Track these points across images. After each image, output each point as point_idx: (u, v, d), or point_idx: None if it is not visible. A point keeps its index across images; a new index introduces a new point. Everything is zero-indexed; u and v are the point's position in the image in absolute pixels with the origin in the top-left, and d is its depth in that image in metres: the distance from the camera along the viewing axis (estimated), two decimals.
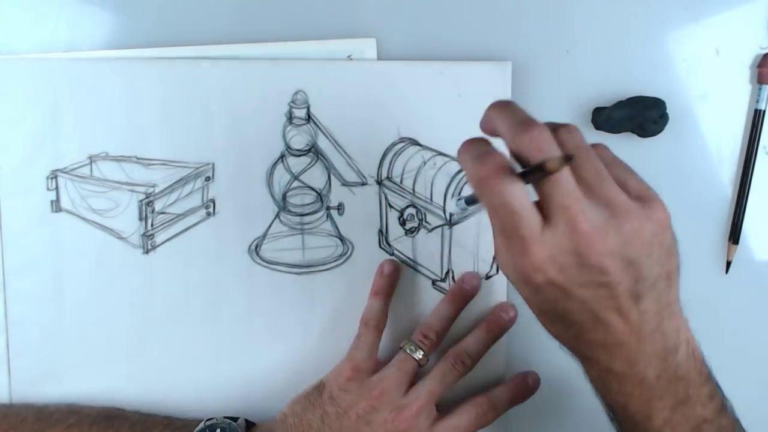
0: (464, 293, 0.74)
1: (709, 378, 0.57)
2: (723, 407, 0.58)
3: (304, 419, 0.69)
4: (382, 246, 0.76)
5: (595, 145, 0.53)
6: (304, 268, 0.76)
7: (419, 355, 0.71)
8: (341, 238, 0.75)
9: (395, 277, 0.74)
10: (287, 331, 0.75)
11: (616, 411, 0.57)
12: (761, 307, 0.76)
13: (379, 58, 0.73)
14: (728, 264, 0.75)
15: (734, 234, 0.74)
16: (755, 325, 0.76)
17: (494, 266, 0.76)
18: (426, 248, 0.74)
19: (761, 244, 0.75)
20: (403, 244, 0.75)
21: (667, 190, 0.73)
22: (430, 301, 0.75)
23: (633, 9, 0.73)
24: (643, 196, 0.52)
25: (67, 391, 0.76)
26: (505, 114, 0.51)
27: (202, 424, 0.70)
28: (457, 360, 0.71)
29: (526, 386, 0.73)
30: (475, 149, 0.50)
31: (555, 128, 0.50)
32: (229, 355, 0.76)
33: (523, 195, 0.47)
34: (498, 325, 0.74)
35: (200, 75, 0.73)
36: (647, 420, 0.55)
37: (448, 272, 0.75)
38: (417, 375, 0.71)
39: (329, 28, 0.73)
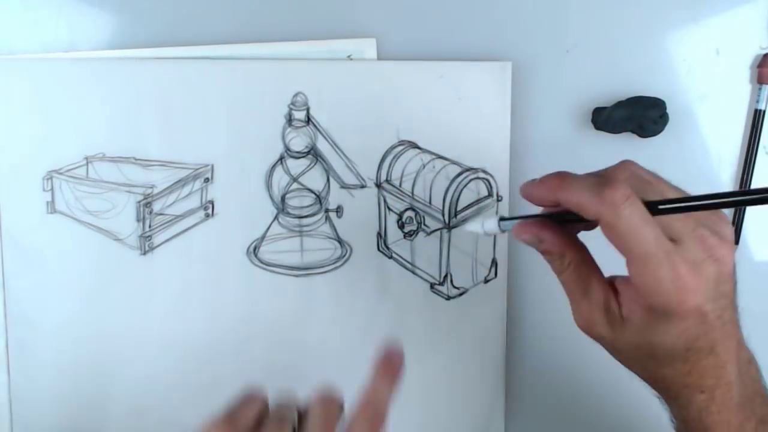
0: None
1: None
2: None
3: None
4: (381, 249, 0.75)
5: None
6: (303, 270, 0.75)
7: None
8: (340, 241, 0.75)
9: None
10: (285, 334, 0.75)
11: None
12: (761, 307, 0.76)
13: (379, 58, 0.74)
14: None
15: (734, 235, 0.74)
16: (755, 325, 0.76)
17: (493, 270, 0.76)
18: (424, 251, 0.74)
19: (761, 244, 0.75)
20: (401, 247, 0.75)
21: None
22: (428, 304, 0.75)
23: (633, 9, 0.73)
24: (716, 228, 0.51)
25: (65, 391, 0.75)
26: (576, 180, 0.51)
27: None
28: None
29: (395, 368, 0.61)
30: (585, 179, 0.51)
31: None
32: (227, 356, 0.75)
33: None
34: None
35: (200, 76, 0.73)
36: None
37: (446, 276, 0.75)
38: None
39: (329, 28, 0.73)
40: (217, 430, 0.55)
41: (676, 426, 0.57)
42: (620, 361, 0.54)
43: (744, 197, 0.47)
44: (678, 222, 0.49)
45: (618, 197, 0.47)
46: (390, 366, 0.60)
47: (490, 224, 0.57)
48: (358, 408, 0.58)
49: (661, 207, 0.47)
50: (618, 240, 0.47)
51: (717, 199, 0.46)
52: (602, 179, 0.49)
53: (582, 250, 0.54)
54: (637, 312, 0.50)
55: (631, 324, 0.51)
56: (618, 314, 0.52)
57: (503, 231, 0.57)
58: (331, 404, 0.58)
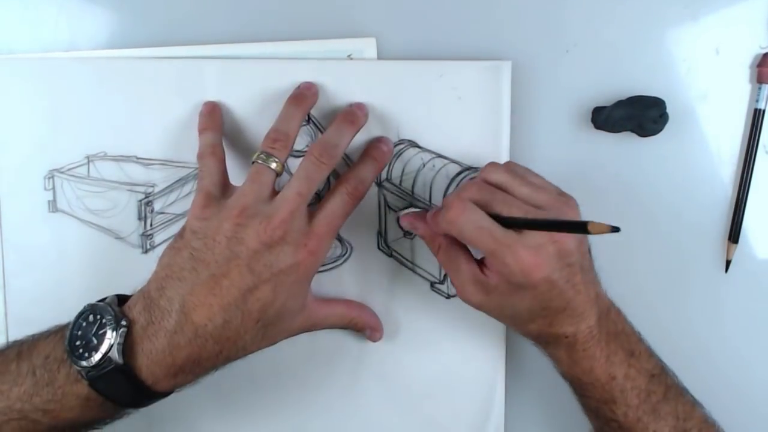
0: (308, 98, 0.71)
1: (641, 338, 0.67)
2: (664, 367, 0.67)
3: (174, 266, 0.63)
4: (381, 247, 0.75)
5: (506, 163, 0.67)
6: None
7: (273, 164, 0.66)
8: (340, 240, 0.75)
9: (218, 113, 0.72)
10: None
11: (584, 382, 0.65)
12: (761, 306, 0.76)
13: (379, 58, 0.74)
14: (728, 263, 0.75)
15: (734, 233, 0.74)
16: (755, 325, 0.76)
17: None
18: (424, 250, 0.74)
19: (761, 243, 0.75)
20: (401, 246, 0.75)
21: (667, 189, 0.74)
22: (428, 303, 0.75)
23: (633, 9, 0.73)
24: (560, 193, 0.64)
25: None
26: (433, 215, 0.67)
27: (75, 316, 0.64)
28: (323, 152, 0.66)
29: (381, 151, 0.72)
30: (436, 211, 0.65)
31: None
32: None
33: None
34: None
35: (200, 75, 0.73)
36: (612, 379, 0.64)
37: (446, 274, 0.75)
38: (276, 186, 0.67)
39: (329, 28, 0.73)
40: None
41: (556, 368, 0.68)
42: (496, 318, 0.67)
43: (562, 227, 0.60)
44: (537, 192, 0.63)
45: (452, 215, 0.61)
46: (377, 151, 0.72)
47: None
48: (342, 178, 0.69)
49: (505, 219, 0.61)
50: (471, 244, 0.63)
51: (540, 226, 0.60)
52: (444, 206, 0.64)
53: (450, 236, 0.64)
54: (501, 283, 0.62)
55: (497, 291, 0.63)
56: (486, 284, 0.63)
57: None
58: (324, 163, 0.67)
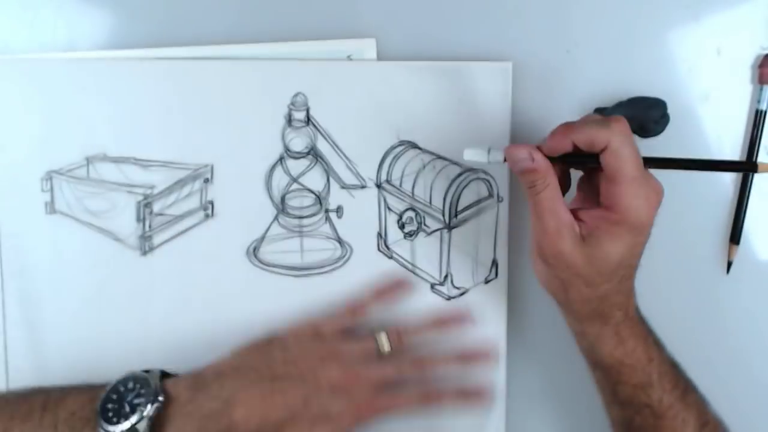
0: (453, 322, 0.74)
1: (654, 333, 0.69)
2: (678, 362, 0.69)
3: (245, 361, 0.67)
4: (381, 249, 0.75)
5: None
6: (303, 270, 0.75)
7: (386, 347, 0.70)
8: (340, 241, 0.75)
9: (398, 294, 0.75)
10: None
11: (624, 365, 0.66)
12: (762, 307, 0.76)
13: (379, 58, 0.73)
14: (729, 264, 0.75)
15: (735, 234, 0.74)
16: (756, 325, 0.76)
17: (493, 270, 0.76)
18: (425, 252, 0.74)
19: (762, 244, 0.75)
20: (401, 248, 0.75)
21: (668, 190, 0.73)
22: (428, 304, 0.75)
23: (634, 9, 0.73)
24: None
25: None
26: (582, 121, 0.63)
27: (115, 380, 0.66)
28: (419, 362, 0.71)
29: (473, 396, 0.74)
30: (590, 118, 0.63)
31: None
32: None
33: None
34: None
35: (200, 75, 0.73)
36: (650, 360, 0.66)
37: (446, 276, 0.75)
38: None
39: (329, 28, 0.73)
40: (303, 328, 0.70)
41: (594, 357, 0.67)
42: (564, 284, 0.64)
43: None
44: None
45: (623, 127, 0.60)
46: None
47: (496, 154, 0.65)
48: (425, 390, 0.71)
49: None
50: (619, 162, 0.59)
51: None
52: (605, 118, 0.61)
53: (557, 177, 0.63)
54: (599, 229, 0.61)
55: (591, 237, 0.62)
56: (579, 233, 0.62)
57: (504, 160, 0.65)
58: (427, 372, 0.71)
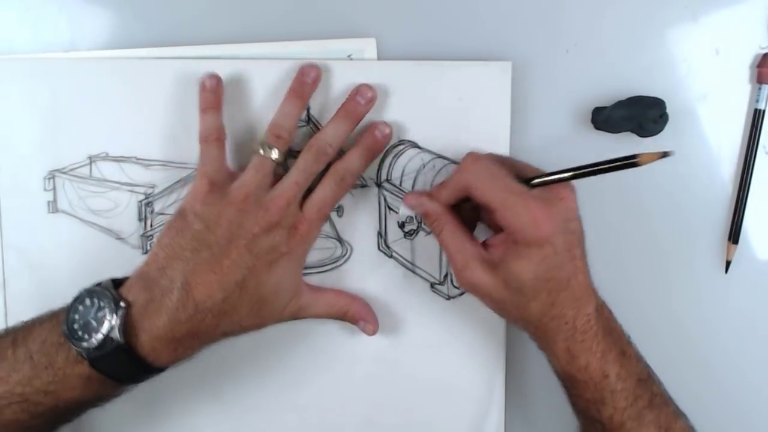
0: (307, 87, 0.73)
1: (631, 341, 0.67)
2: (651, 373, 0.68)
3: (176, 246, 0.67)
4: (381, 248, 0.75)
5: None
6: (303, 269, 0.75)
7: (274, 154, 0.69)
8: (340, 240, 0.75)
9: (221, 90, 0.73)
10: (285, 333, 0.74)
11: (577, 380, 0.65)
12: (760, 306, 0.76)
13: (379, 58, 0.74)
14: (728, 264, 0.75)
15: (734, 234, 0.74)
16: (754, 325, 0.76)
17: None
18: (425, 251, 0.74)
19: (761, 243, 0.75)
20: (401, 247, 0.75)
21: (667, 189, 0.74)
22: (428, 303, 0.75)
23: (633, 9, 0.73)
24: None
25: None
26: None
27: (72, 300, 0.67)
28: (320, 150, 0.70)
29: (375, 140, 0.73)
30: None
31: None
32: (227, 355, 0.75)
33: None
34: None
35: (200, 75, 0.73)
36: (605, 377, 0.64)
37: (446, 275, 0.75)
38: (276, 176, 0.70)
39: (329, 28, 0.73)
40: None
41: (552, 368, 0.68)
42: (496, 308, 0.67)
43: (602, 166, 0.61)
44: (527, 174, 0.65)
45: (473, 164, 0.64)
46: (369, 139, 0.73)
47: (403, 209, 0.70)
48: (332, 168, 0.71)
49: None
50: (484, 195, 0.62)
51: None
52: (462, 162, 0.66)
53: (455, 216, 0.67)
54: (505, 252, 0.63)
55: (502, 264, 0.63)
56: (491, 261, 0.64)
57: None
58: (320, 158, 0.70)
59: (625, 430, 0.65)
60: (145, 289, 0.66)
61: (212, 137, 0.71)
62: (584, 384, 0.65)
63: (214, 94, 0.72)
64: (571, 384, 0.66)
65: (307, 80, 0.72)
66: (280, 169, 0.70)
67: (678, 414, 0.67)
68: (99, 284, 0.67)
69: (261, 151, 0.69)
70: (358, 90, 0.72)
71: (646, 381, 0.66)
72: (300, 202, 0.69)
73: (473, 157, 0.65)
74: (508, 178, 0.63)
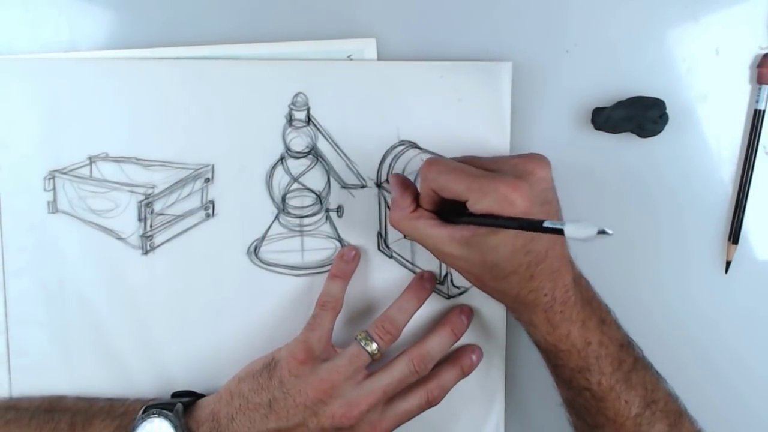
0: (427, 287, 0.74)
1: (609, 309, 0.69)
2: (630, 339, 0.69)
3: (251, 402, 0.68)
4: (381, 248, 0.75)
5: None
6: (303, 270, 0.75)
7: (373, 348, 0.69)
8: (340, 240, 0.75)
9: (355, 264, 0.75)
10: (286, 333, 0.74)
11: (560, 350, 0.66)
12: (761, 307, 0.76)
13: (379, 58, 0.74)
14: (728, 264, 0.75)
15: (734, 234, 0.74)
16: (755, 325, 0.76)
17: None
18: (424, 251, 0.74)
19: (761, 244, 0.75)
20: (402, 247, 0.75)
21: (667, 190, 0.74)
22: (428, 303, 0.75)
23: (633, 9, 0.73)
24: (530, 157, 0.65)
25: (65, 392, 0.75)
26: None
27: (140, 411, 0.69)
28: (420, 364, 0.70)
29: (469, 362, 0.74)
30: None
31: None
32: (227, 356, 0.75)
33: None
34: (461, 326, 0.74)
35: (201, 75, 0.73)
36: (587, 345, 0.65)
37: (446, 275, 0.75)
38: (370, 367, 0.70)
39: (329, 28, 0.73)
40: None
41: (533, 339, 0.68)
42: (476, 282, 0.66)
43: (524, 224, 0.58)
44: (495, 162, 0.65)
45: (423, 172, 0.64)
46: (466, 360, 0.74)
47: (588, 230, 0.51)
48: (426, 385, 0.71)
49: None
50: (448, 188, 0.62)
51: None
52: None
53: (418, 211, 0.67)
54: (480, 231, 0.61)
55: (475, 238, 0.61)
56: (462, 238, 0.62)
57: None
58: (418, 372, 0.70)
59: (615, 394, 0.66)
60: (213, 430, 0.68)
61: (329, 305, 0.72)
62: (567, 353, 0.65)
63: (348, 265, 0.74)
64: (554, 355, 0.67)
65: (426, 283, 0.75)
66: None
67: (659, 377, 0.69)
68: (172, 406, 0.69)
69: (361, 342, 0.69)
70: (461, 309, 0.75)
71: (628, 346, 0.68)
72: (381, 409, 0.69)
73: (429, 161, 0.64)
74: (470, 168, 0.63)
